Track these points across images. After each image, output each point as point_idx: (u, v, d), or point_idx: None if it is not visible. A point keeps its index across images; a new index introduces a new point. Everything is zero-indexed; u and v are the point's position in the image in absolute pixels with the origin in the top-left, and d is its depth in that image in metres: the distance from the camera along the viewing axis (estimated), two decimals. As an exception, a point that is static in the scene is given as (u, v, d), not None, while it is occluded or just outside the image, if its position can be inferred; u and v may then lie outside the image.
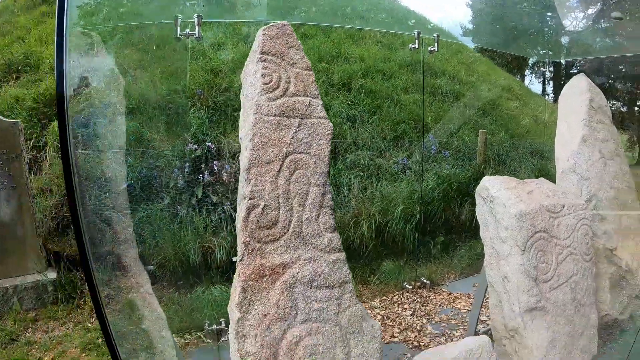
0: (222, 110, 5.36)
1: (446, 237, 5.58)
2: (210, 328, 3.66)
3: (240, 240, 1.97)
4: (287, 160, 2.06)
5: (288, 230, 2.02)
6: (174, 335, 2.92)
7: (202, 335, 3.74)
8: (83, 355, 3.56)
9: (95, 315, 4.06)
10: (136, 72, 5.19)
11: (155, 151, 4.77)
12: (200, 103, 5.30)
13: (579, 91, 3.96)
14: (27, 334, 3.82)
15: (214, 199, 4.64)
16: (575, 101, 3.96)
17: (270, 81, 2.10)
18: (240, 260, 1.95)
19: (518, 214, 2.74)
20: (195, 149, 4.76)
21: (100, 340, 3.65)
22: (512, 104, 8.75)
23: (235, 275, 2.00)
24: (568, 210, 3.06)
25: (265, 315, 1.95)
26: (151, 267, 4.05)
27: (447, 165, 5.97)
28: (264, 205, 1.98)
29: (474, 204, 3.16)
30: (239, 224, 1.99)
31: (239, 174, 2.12)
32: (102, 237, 2.68)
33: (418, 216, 5.19)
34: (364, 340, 2.15)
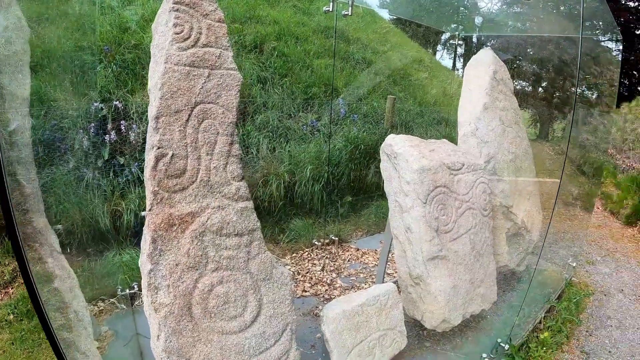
0: (130, 68, 5.10)
1: (353, 197, 5.82)
2: (123, 293, 3.58)
3: (148, 189, 1.94)
4: (195, 110, 2.04)
5: (196, 179, 2.02)
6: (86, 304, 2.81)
7: (115, 301, 3.64)
8: (-8, 335, 3.29)
9: (5, 290, 3.81)
10: (39, 26, 4.78)
11: (59, 111, 4.46)
12: (108, 60, 5.01)
13: (485, 63, 4.27)
14: None
15: (121, 160, 4.46)
16: (480, 71, 4.26)
17: (182, 31, 2.06)
18: (150, 210, 1.92)
19: (420, 169, 2.93)
20: (102, 108, 4.52)
21: (11, 317, 3.43)
22: (422, 75, 9.15)
23: (144, 227, 1.97)
24: (467, 169, 3.31)
25: (176, 264, 1.96)
26: (59, 227, 3.83)
27: (355, 129, 6.16)
28: (172, 154, 1.96)
29: (380, 165, 3.33)
30: (147, 173, 1.95)
31: (147, 133, 2.07)
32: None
33: (326, 176, 5.37)
34: (275, 287, 2.23)
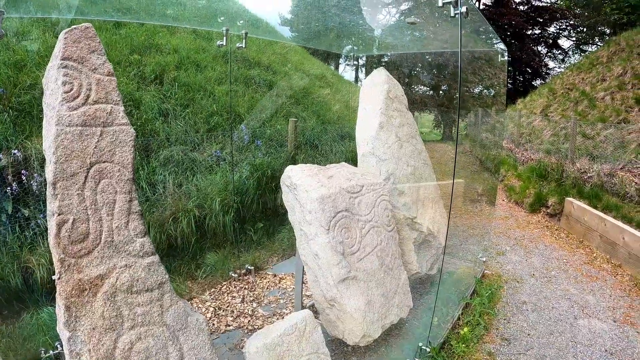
0: (27, 111, 5.02)
1: (265, 222, 6.10)
2: (47, 355, 3.56)
3: (55, 257, 2.07)
4: (92, 171, 2.20)
5: (100, 240, 2.18)
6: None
7: (42, 366, 3.60)
8: None
9: None
10: None
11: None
12: (3, 104, 4.91)
13: (378, 83, 4.76)
14: None
15: (26, 212, 4.40)
16: (374, 92, 4.73)
17: (72, 89, 2.19)
18: (59, 278, 2.06)
19: (320, 198, 3.28)
20: (0, 159, 4.45)
21: None
22: (324, 91, 9.67)
23: (57, 295, 2.10)
24: (367, 190, 3.71)
25: (93, 328, 2.10)
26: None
27: (260, 154, 6.48)
28: (73, 219, 2.11)
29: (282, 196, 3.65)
30: (51, 241, 2.08)
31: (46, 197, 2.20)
32: None
33: (235, 206, 5.62)
34: (192, 334, 2.43)
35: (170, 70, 6.85)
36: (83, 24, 2.33)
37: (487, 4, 30.30)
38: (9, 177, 4.52)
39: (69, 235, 2.09)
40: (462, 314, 4.48)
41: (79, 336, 2.08)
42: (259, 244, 5.82)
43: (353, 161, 5.00)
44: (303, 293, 4.08)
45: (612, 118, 10.83)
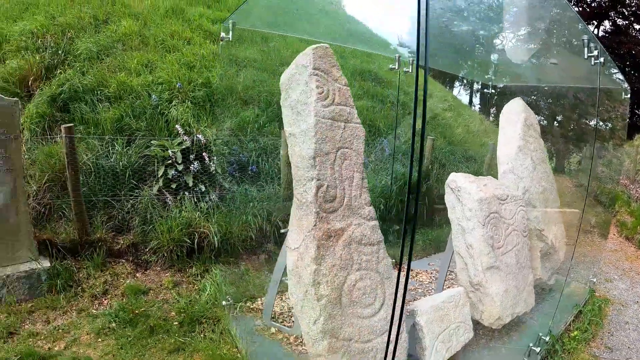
0: (201, 105, 6.48)
1: (400, 225, 6.99)
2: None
3: (312, 210, 3.05)
4: (338, 153, 3.20)
5: (343, 203, 3.18)
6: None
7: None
8: (99, 340, 4.06)
9: (99, 301, 4.74)
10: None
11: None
12: (182, 96, 6.31)
13: (516, 111, 5.65)
14: (27, 326, 4.13)
15: (202, 188, 5.64)
16: (512, 119, 5.61)
17: (322, 92, 3.17)
18: (314, 226, 3.03)
19: (479, 200, 4.19)
20: (186, 140, 5.76)
21: (113, 324, 4.27)
22: (448, 114, 10.51)
23: (307, 237, 3.08)
24: (511, 199, 4.60)
25: (333, 265, 3.10)
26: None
27: (398, 166, 7.43)
28: (327, 185, 3.12)
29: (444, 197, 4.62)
30: (309, 198, 3.06)
31: (293, 169, 3.23)
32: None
33: (382, 207, 6.59)
34: (393, 283, 3.39)
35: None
36: (323, 44, 3.29)
37: (607, 30, 29.67)
38: (192, 156, 5.74)
39: (324, 196, 3.10)
40: (573, 321, 5.25)
41: (322, 270, 3.07)
42: (395, 244, 6.79)
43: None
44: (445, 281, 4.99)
45: None
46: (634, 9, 28.32)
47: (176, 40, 7.41)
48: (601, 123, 8.88)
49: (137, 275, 5.27)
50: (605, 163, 9.71)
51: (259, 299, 4.87)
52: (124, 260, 5.34)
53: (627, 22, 29.36)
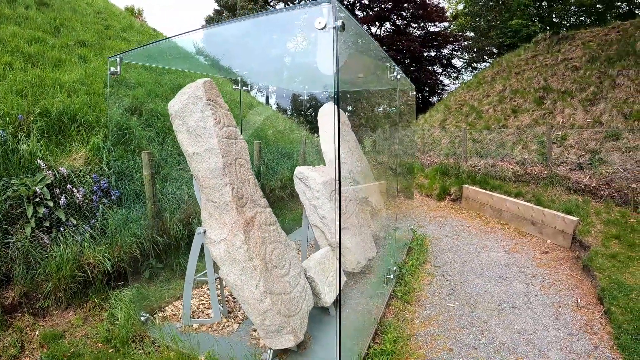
0: (46, 136, 6.91)
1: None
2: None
3: (232, 207, 4.56)
4: (236, 162, 4.78)
5: (248, 198, 4.82)
6: None
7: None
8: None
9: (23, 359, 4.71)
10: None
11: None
12: (23, 129, 6.59)
13: (330, 112, 7.82)
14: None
15: (74, 221, 6.08)
16: (329, 119, 7.79)
17: (217, 118, 4.67)
18: (238, 217, 4.79)
19: (323, 182, 6.22)
20: (45, 176, 5.97)
21: None
22: (256, 118, 12.99)
23: (233, 227, 4.76)
24: (343, 179, 6.78)
25: (256, 243, 4.70)
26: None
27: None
28: (237, 187, 4.69)
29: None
30: (228, 199, 4.63)
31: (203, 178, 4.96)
32: None
33: None
34: (294, 249, 5.24)
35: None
36: (207, 79, 4.68)
37: (388, 30, 37.39)
38: (57, 190, 6.01)
39: (237, 195, 4.69)
40: (407, 254, 7.85)
41: (250, 247, 4.61)
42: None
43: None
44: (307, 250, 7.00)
45: (494, 125, 15.39)
46: (411, 11, 36.35)
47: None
48: (396, 110, 11.70)
49: (42, 323, 5.28)
50: (400, 142, 12.87)
51: (167, 308, 5.84)
52: (19, 314, 5.28)
53: (405, 22, 37.91)
